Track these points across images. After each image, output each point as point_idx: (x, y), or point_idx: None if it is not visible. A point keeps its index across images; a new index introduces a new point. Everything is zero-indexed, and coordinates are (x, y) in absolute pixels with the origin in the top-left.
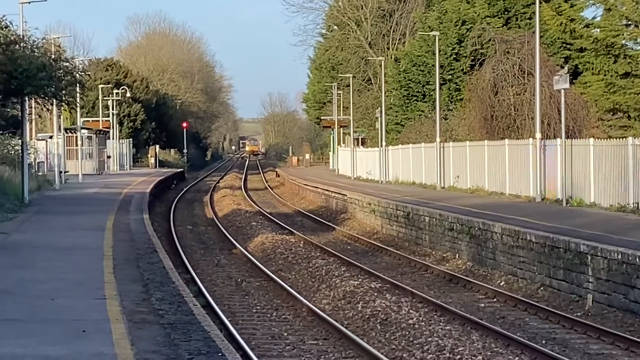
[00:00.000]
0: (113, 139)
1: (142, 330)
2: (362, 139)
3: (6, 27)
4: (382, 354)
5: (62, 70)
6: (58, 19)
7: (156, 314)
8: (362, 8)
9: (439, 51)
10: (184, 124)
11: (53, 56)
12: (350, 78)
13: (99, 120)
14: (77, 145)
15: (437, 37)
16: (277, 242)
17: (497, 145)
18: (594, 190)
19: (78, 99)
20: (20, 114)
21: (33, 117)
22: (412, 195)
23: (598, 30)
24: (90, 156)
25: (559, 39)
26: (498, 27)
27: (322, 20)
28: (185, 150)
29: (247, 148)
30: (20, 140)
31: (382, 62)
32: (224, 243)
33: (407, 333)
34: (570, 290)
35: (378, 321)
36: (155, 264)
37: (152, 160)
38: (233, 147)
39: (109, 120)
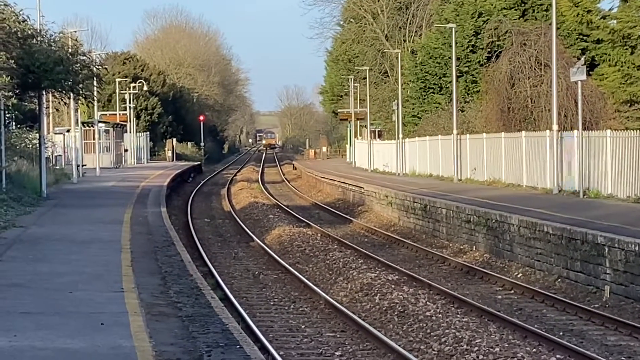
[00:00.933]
0: (130, 132)
1: (160, 322)
2: (378, 131)
3: (23, 21)
4: (399, 346)
5: (79, 64)
6: (75, 13)
7: (174, 306)
8: (378, 0)
9: (456, 43)
10: (201, 117)
11: (70, 50)
12: (367, 70)
13: (116, 114)
14: (94, 138)
15: (453, 29)
16: (295, 235)
17: (514, 137)
18: (611, 181)
19: (95, 93)
20: (37, 108)
21: (50, 110)
22: (429, 187)
23: (615, 21)
24: (107, 150)
25: (575, 30)
26: (515, 19)
27: (338, 13)
28: (202, 144)
29: (263, 141)
30: (37, 134)
31: (399, 54)
32: (241, 236)
33: (424, 325)
34: (587, 281)
35: (395, 313)
36: (173, 257)
37: (169, 153)
38: (250, 140)
39: (126, 114)
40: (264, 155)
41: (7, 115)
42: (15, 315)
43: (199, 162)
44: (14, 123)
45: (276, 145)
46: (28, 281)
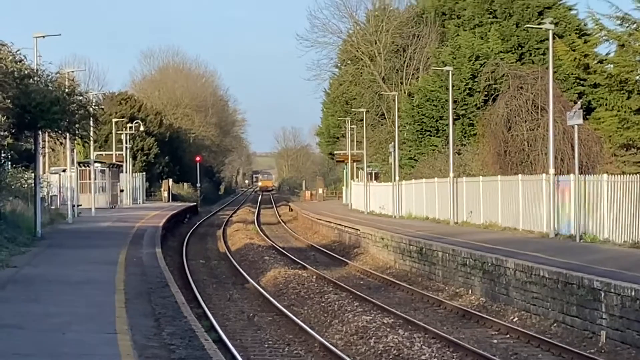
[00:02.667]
0: (126, 172)
1: None
2: (375, 173)
3: (20, 61)
4: None
5: (75, 104)
6: (73, 53)
7: (167, 348)
8: (375, 43)
9: (453, 86)
10: (198, 158)
11: (67, 90)
12: (364, 112)
13: (112, 154)
14: (90, 178)
15: (450, 72)
16: (290, 277)
17: (511, 180)
18: (607, 226)
19: (91, 133)
20: (33, 148)
21: (46, 150)
22: (425, 230)
23: (612, 66)
24: (103, 190)
25: (572, 74)
26: (512, 63)
27: (335, 55)
28: (198, 184)
29: (259, 183)
30: (33, 174)
31: (396, 96)
32: (236, 277)
33: None
34: (583, 326)
35: (390, 357)
36: (167, 298)
37: (165, 194)
38: (246, 181)
39: (122, 154)
40: (260, 197)
41: (3, 155)
42: (7, 356)
43: (195, 203)
44: (9, 163)
45: (273, 188)
46: (20, 322)
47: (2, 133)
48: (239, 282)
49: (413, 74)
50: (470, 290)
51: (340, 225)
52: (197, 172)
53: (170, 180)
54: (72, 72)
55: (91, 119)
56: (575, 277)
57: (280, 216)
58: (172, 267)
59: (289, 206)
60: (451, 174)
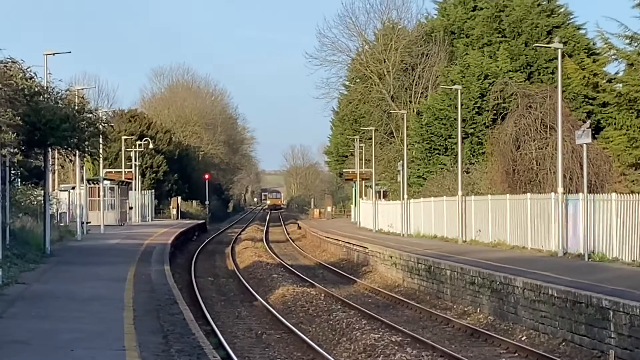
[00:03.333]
0: (135, 190)
1: None
2: (383, 191)
3: (30, 79)
4: None
5: (85, 122)
6: (84, 70)
7: None
8: (384, 62)
9: (461, 105)
10: (206, 176)
11: (76, 107)
12: (373, 131)
13: (121, 172)
14: (99, 196)
15: (459, 90)
16: (298, 295)
17: (519, 199)
18: (616, 245)
19: (101, 150)
20: (43, 165)
21: (56, 168)
22: (433, 248)
23: (621, 85)
24: (112, 207)
25: (581, 93)
26: (520, 82)
27: (344, 73)
28: (207, 202)
29: (267, 201)
30: (42, 191)
31: (405, 115)
32: (244, 295)
33: None
34: (592, 345)
35: None
36: (176, 315)
37: (174, 211)
38: (255, 199)
39: (131, 172)
40: (269, 214)
41: (13, 172)
42: None
43: (204, 221)
44: (19, 180)
45: (282, 206)
46: (29, 338)
47: (12, 150)
48: (247, 300)
49: (422, 93)
50: (478, 309)
51: (348, 243)
52: (205, 190)
53: (179, 197)
54: (82, 89)
55: (101, 136)
56: (584, 296)
57: (288, 234)
58: (181, 284)
59: (298, 224)
60: (459, 193)
